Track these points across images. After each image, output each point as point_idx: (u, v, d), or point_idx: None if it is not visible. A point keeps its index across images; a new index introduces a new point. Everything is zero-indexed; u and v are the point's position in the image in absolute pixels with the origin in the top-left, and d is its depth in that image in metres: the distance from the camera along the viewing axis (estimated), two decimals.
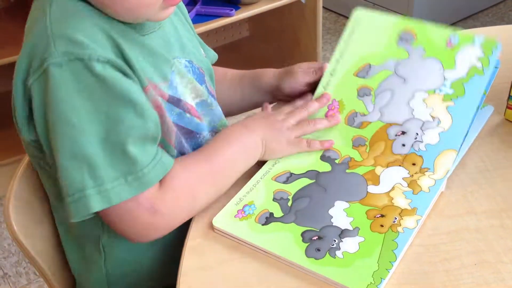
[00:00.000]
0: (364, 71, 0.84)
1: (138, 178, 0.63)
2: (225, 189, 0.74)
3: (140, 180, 0.64)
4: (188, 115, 0.76)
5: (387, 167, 0.76)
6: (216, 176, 0.73)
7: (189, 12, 1.80)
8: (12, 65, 0.68)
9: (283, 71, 0.93)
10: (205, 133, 0.79)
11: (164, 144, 0.72)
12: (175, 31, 0.79)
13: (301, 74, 0.89)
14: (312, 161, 0.78)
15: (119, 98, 0.62)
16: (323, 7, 2.03)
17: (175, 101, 0.73)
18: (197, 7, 1.84)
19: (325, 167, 0.77)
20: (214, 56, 0.97)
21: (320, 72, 0.87)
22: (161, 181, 0.67)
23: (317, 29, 2.04)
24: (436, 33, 0.83)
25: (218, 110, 0.83)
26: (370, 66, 0.84)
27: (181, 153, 0.76)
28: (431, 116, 0.79)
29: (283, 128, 0.79)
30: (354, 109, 0.82)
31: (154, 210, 0.65)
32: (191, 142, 0.77)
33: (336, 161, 0.78)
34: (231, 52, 2.32)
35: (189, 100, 0.76)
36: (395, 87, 0.82)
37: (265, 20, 2.26)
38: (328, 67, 0.87)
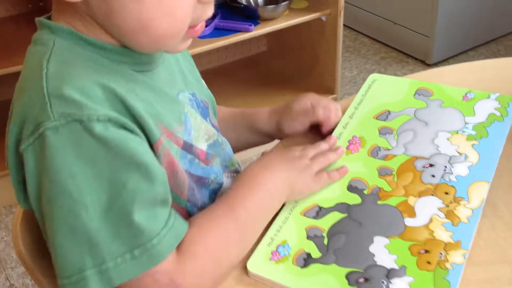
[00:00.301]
0: (383, 115, 0.85)
1: (146, 251, 0.56)
2: (252, 244, 0.67)
3: (149, 252, 0.56)
4: (197, 160, 0.69)
5: (419, 197, 0.72)
6: (242, 233, 0.65)
7: (207, 26, 1.79)
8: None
9: (280, 110, 0.87)
10: (214, 176, 0.72)
11: (175, 199, 0.66)
12: (176, 62, 0.76)
13: (301, 113, 0.84)
14: (339, 193, 0.74)
15: (123, 160, 0.55)
16: (343, 24, 2.00)
17: (188, 147, 0.68)
18: (216, 21, 1.82)
19: (355, 199, 0.73)
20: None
21: (316, 110, 0.83)
22: (178, 248, 0.59)
23: (337, 46, 2.01)
24: (452, 91, 0.88)
25: (228, 147, 0.78)
26: (389, 112, 0.85)
27: (195, 205, 0.70)
28: (458, 152, 0.77)
29: (303, 166, 0.74)
30: (377, 144, 0.80)
31: (174, 285, 0.58)
32: (202, 190, 0.71)
33: (365, 192, 0.74)
34: (249, 67, 2.29)
35: (200, 144, 0.71)
36: (417, 128, 0.82)
37: (283, 35, 2.23)
38: (347, 111, 0.86)
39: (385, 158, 0.78)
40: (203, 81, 0.83)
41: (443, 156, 0.77)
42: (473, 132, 0.80)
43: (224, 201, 0.67)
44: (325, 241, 0.68)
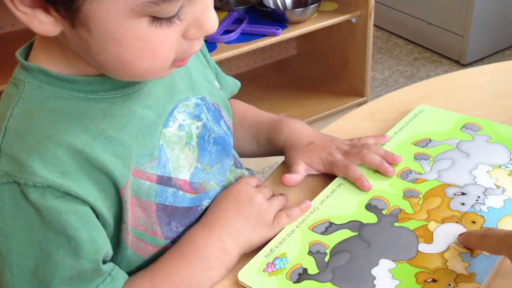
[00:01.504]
0: (423, 142, 0.81)
1: None
2: None
3: None
4: (181, 192, 0.66)
5: (442, 223, 0.67)
6: None
7: (234, 31, 1.77)
8: None
9: (289, 145, 0.79)
10: (208, 201, 0.70)
11: (151, 241, 0.65)
12: (182, 68, 0.73)
13: (302, 168, 0.77)
14: (355, 210, 0.70)
15: (54, 231, 0.55)
16: (374, 25, 1.95)
17: (164, 181, 0.64)
18: (243, 25, 1.80)
19: (371, 218, 0.69)
20: (236, 85, 0.87)
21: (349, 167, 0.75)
22: None
23: (367, 49, 1.97)
24: (502, 128, 0.82)
25: (226, 162, 0.74)
26: (430, 140, 0.81)
27: (173, 242, 0.67)
28: (495, 185, 0.71)
29: (259, 213, 0.67)
30: (409, 167, 0.76)
31: None
32: (187, 221, 0.68)
33: (383, 212, 0.69)
34: (278, 71, 2.27)
35: (182, 174, 0.67)
36: (456, 158, 0.77)
37: (313, 38, 2.20)
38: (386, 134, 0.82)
39: (414, 181, 0.74)
40: (217, 83, 0.79)
41: (478, 187, 0.71)
42: None
43: (151, 271, 0.63)
44: (326, 258, 0.64)
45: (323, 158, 0.77)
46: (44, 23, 0.53)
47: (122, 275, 0.62)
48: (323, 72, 2.22)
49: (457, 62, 2.45)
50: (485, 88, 0.95)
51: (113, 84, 0.61)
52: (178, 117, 0.67)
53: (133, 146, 0.61)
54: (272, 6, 1.91)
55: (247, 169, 0.82)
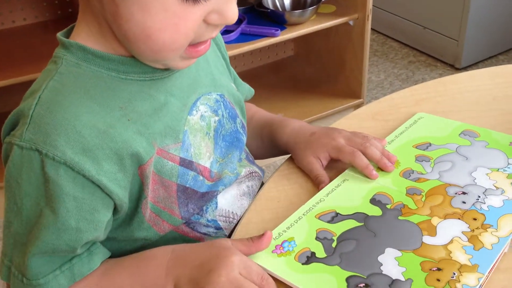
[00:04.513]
0: (424, 146, 0.83)
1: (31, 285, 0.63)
2: None
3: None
4: (201, 177, 0.70)
5: (444, 218, 0.69)
6: None
7: (234, 31, 1.79)
8: None
9: (293, 141, 0.82)
10: (222, 188, 0.73)
11: (169, 219, 0.69)
12: (206, 64, 0.75)
13: (310, 164, 0.79)
14: (360, 203, 0.73)
15: (49, 206, 0.60)
16: (371, 28, 1.98)
17: (186, 164, 0.69)
18: (242, 26, 1.82)
19: (375, 211, 0.71)
20: (250, 91, 0.90)
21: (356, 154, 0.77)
22: None
23: (364, 51, 1.99)
24: (499, 135, 0.84)
25: (235, 155, 0.77)
26: (430, 144, 0.83)
27: (188, 222, 0.71)
28: (494, 186, 0.74)
29: (228, 263, 0.61)
30: (411, 167, 0.78)
31: None
32: (202, 204, 0.72)
33: (388, 206, 0.72)
34: (275, 71, 2.29)
35: (203, 161, 0.71)
36: (456, 160, 0.79)
37: (310, 40, 2.22)
38: (386, 138, 0.84)
39: (417, 180, 0.76)
40: (233, 85, 0.82)
41: (478, 187, 0.74)
42: None
43: (106, 265, 0.66)
44: (334, 244, 0.67)
45: (327, 144, 0.79)
46: None
47: (101, 251, 0.66)
48: (319, 73, 2.24)
49: (451, 66, 2.47)
50: (484, 91, 0.97)
51: (144, 67, 0.65)
52: (200, 108, 0.71)
53: (158, 127, 0.65)
54: (271, 7, 1.93)
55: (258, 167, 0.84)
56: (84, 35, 0.64)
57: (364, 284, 0.61)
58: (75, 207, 0.60)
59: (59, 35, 0.65)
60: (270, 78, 2.24)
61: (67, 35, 0.66)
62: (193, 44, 0.62)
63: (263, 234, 0.65)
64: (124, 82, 0.64)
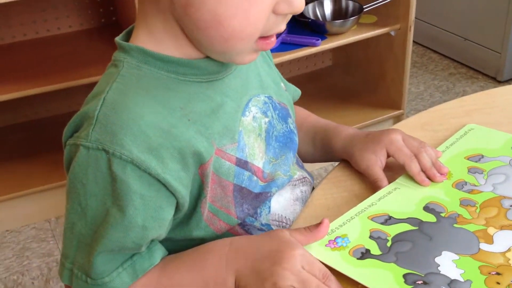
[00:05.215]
0: (476, 158, 0.81)
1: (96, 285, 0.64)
2: None
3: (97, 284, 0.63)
4: (255, 178, 0.71)
5: (501, 229, 0.68)
6: None
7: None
8: (94, 85, 0.68)
9: (350, 144, 0.82)
10: (275, 189, 0.73)
11: (226, 219, 0.69)
12: (254, 65, 0.76)
13: (370, 164, 0.78)
14: (413, 209, 0.72)
15: (116, 205, 0.61)
16: None
17: (242, 164, 0.70)
18: (283, 35, 1.82)
19: (429, 217, 0.70)
20: (296, 91, 0.91)
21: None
22: None
23: (405, 61, 1.97)
24: None
25: (290, 157, 0.77)
26: (482, 156, 0.82)
27: (243, 224, 0.72)
28: None
29: (285, 272, 0.59)
30: (464, 179, 0.77)
31: None
32: (257, 204, 0.72)
33: (442, 215, 0.71)
34: (313, 81, 2.28)
35: (257, 161, 0.72)
36: (510, 173, 0.77)
37: (349, 50, 2.21)
38: (438, 148, 0.83)
39: (470, 192, 0.74)
40: (282, 84, 0.83)
41: None
42: None
43: (164, 261, 0.67)
44: (388, 244, 0.66)
45: (385, 139, 0.79)
46: None
47: (160, 247, 0.67)
48: (358, 84, 2.22)
49: (493, 78, 2.43)
50: None
51: (202, 70, 0.66)
52: (252, 109, 0.72)
53: (216, 127, 0.66)
54: (312, 17, 1.93)
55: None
56: (143, 38, 0.65)
57: (422, 282, 0.60)
58: (142, 205, 0.61)
59: (118, 39, 0.67)
60: (308, 87, 2.23)
61: (125, 39, 0.68)
62: (264, 37, 0.63)
63: (320, 223, 0.65)
64: (183, 83, 0.66)
